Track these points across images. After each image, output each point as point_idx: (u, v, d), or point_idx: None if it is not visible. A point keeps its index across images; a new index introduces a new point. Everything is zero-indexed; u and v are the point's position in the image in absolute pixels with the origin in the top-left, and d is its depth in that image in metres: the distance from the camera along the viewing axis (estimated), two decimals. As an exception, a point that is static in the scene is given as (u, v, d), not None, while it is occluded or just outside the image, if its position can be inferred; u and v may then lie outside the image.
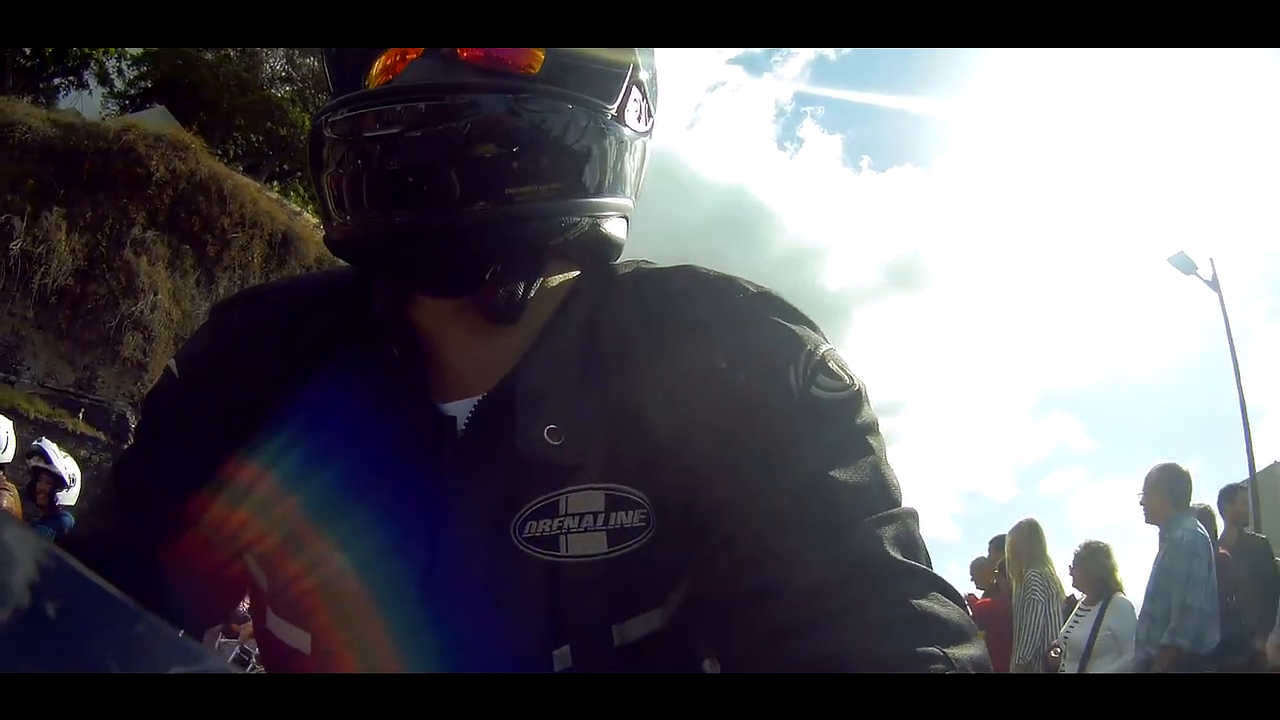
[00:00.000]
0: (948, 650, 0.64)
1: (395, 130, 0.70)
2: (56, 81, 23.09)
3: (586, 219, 0.80)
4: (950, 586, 0.71)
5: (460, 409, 0.79)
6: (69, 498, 5.20)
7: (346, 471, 0.78)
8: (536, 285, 0.82)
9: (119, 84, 22.89)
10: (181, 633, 0.31)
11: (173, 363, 0.90)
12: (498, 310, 0.80)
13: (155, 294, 15.61)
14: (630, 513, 0.76)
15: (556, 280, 0.85)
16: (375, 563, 0.76)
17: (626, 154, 0.84)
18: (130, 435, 14.16)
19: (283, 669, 0.81)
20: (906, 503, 0.75)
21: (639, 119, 0.87)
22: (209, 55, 23.87)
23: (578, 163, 0.78)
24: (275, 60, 25.63)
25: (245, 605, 0.93)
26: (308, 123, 22.96)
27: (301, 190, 24.37)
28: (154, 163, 16.64)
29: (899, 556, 0.70)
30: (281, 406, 0.82)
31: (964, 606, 0.70)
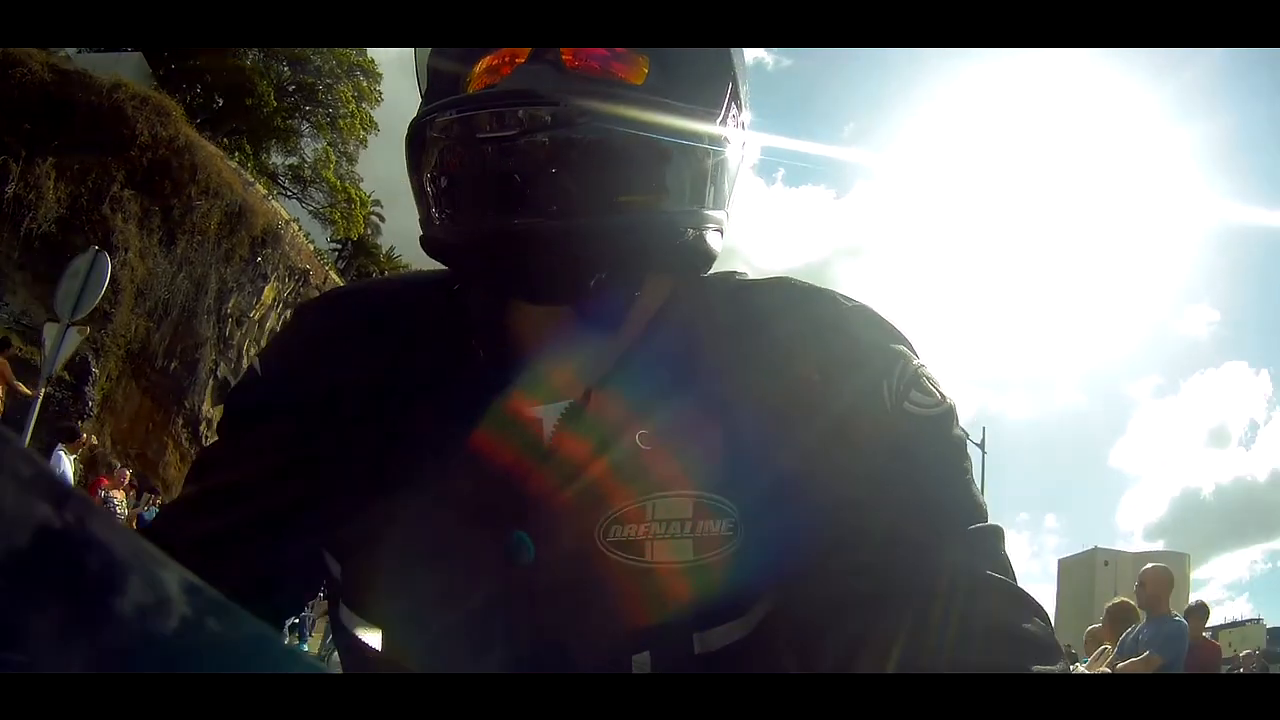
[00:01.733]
0: (1037, 668, 0.65)
1: (512, 133, 0.70)
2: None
3: (687, 230, 0.80)
4: (1039, 604, 0.71)
5: (550, 413, 0.80)
6: None
7: (430, 471, 0.79)
8: (637, 294, 0.82)
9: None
10: (259, 623, 0.32)
11: (256, 361, 0.90)
12: (599, 318, 0.80)
13: (126, 251, 17.55)
14: (718, 521, 0.76)
15: (652, 289, 0.85)
16: (453, 562, 0.77)
17: (725, 165, 0.85)
18: (89, 380, 16.26)
19: (356, 664, 0.82)
20: (992, 519, 0.75)
21: (738, 130, 0.88)
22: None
23: (682, 174, 0.79)
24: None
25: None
26: (272, 97, 24.85)
27: (248, 150, 26.18)
28: (139, 126, 18.55)
29: (992, 572, 0.70)
30: (364, 405, 0.82)
31: (1050, 625, 0.71)
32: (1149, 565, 6.49)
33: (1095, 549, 37.99)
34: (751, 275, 0.91)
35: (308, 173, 28.23)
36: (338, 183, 28.26)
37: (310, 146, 28.82)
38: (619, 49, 0.80)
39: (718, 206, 0.85)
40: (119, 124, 18.32)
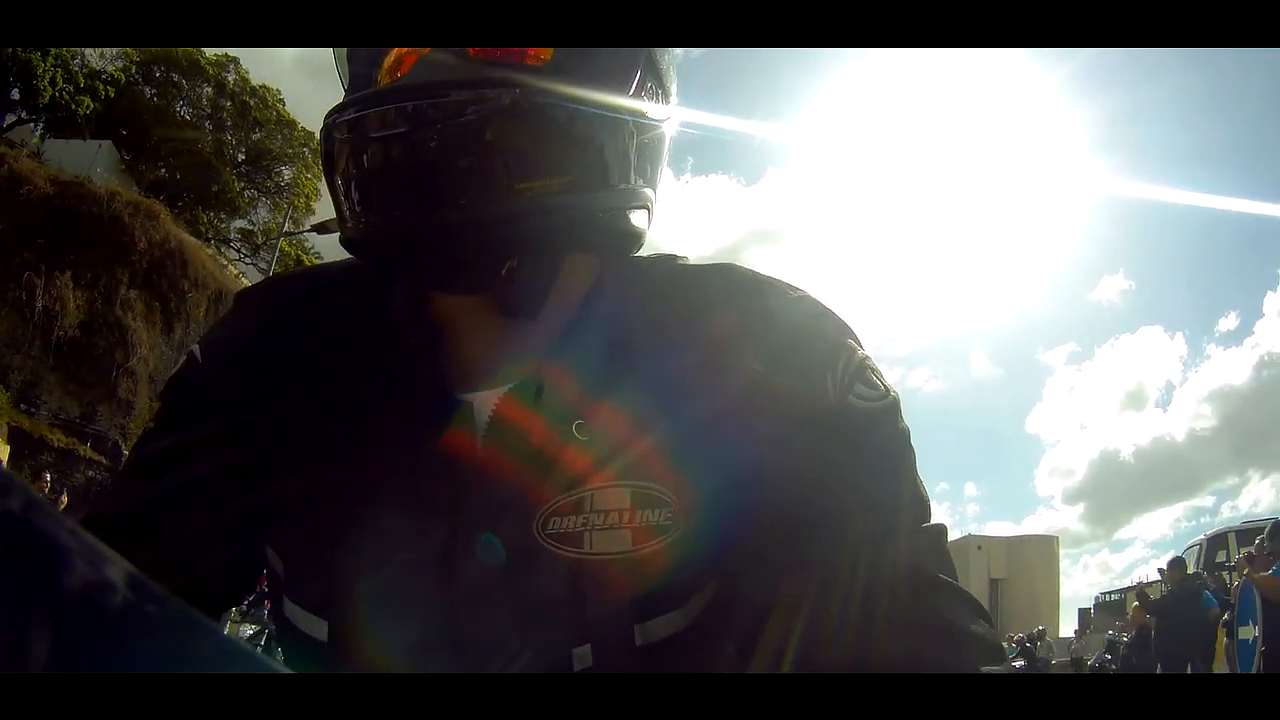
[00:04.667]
0: (986, 669, 0.65)
1: (400, 130, 0.70)
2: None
3: (603, 211, 0.78)
4: (981, 606, 0.71)
5: (484, 400, 0.78)
6: None
7: (366, 461, 0.78)
8: (556, 280, 0.80)
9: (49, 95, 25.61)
10: (195, 613, 0.31)
11: (196, 348, 0.87)
12: (515, 306, 0.78)
13: (140, 347, 20.10)
14: (656, 511, 0.75)
15: (578, 273, 0.83)
16: (394, 554, 0.76)
17: (643, 144, 0.82)
18: (120, 459, 18.82)
19: (300, 656, 0.81)
20: (935, 517, 0.74)
21: (655, 107, 0.85)
22: (146, 89, 27.49)
23: (590, 154, 0.76)
24: (200, 95, 29.37)
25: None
26: (230, 176, 27.32)
27: (205, 218, 28.50)
28: (136, 232, 21.06)
29: (934, 570, 0.71)
30: (301, 393, 0.81)
31: (993, 624, 0.71)
32: None
33: (969, 536, 43.02)
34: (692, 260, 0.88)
35: (259, 238, 30.52)
36: (288, 247, 30.64)
37: (259, 214, 31.17)
38: None
39: (639, 185, 0.82)
40: (119, 232, 20.80)
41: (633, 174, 0.81)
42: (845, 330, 0.82)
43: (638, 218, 0.83)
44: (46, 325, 18.76)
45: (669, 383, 0.77)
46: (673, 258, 0.89)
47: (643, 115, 0.82)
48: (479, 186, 0.71)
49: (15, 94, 25.79)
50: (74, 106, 24.92)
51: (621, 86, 0.80)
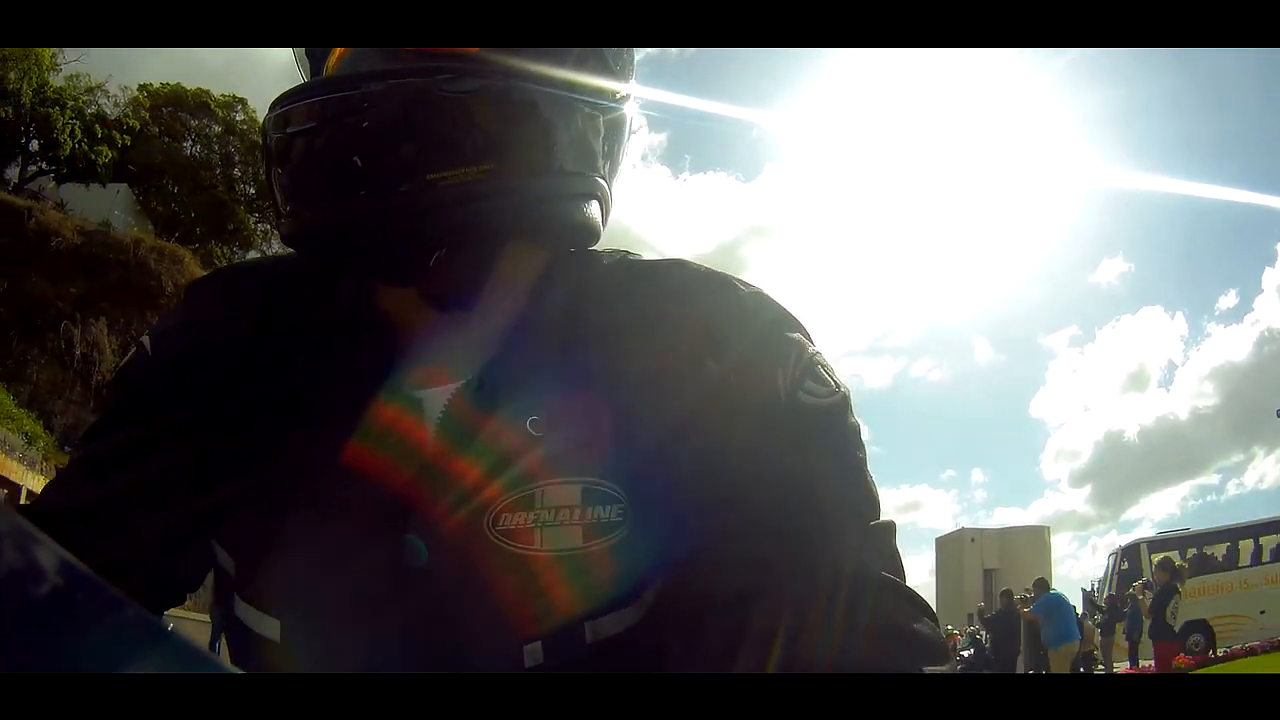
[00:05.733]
0: (928, 668, 0.64)
1: (307, 126, 0.70)
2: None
3: (539, 199, 0.77)
4: (928, 604, 0.71)
5: (436, 396, 0.77)
6: None
7: (318, 457, 0.76)
8: (491, 271, 0.78)
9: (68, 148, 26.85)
10: (139, 609, 0.31)
11: (146, 339, 0.86)
12: (445, 298, 0.77)
13: (171, 387, 21.42)
14: (607, 508, 0.75)
15: (524, 264, 0.82)
16: (346, 552, 0.75)
17: (584, 128, 0.79)
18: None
19: (251, 656, 0.79)
20: (885, 515, 0.75)
21: (601, 89, 0.82)
22: (166, 140, 28.79)
23: (514, 140, 0.74)
24: (209, 133, 30.65)
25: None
26: (242, 211, 28.51)
27: (220, 253, 29.82)
28: (163, 276, 22.32)
29: (880, 569, 0.70)
30: (253, 387, 0.80)
31: (937, 624, 0.70)
32: None
33: (963, 529, 44.28)
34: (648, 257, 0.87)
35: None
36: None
37: (272, 246, 32.40)
38: None
39: (586, 172, 0.80)
40: (146, 277, 22.15)
41: (576, 160, 0.78)
42: (796, 326, 0.81)
43: (585, 207, 0.81)
44: (85, 370, 20.12)
45: (622, 379, 0.76)
46: (625, 253, 0.88)
47: (578, 97, 0.78)
48: (386, 178, 0.70)
49: (34, 145, 27.09)
50: (94, 157, 26.23)
51: (556, 67, 0.77)
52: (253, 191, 31.49)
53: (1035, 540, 42.54)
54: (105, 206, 26.61)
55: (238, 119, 30.84)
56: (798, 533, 0.70)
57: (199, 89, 30.66)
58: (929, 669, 0.64)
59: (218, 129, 30.83)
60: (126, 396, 0.84)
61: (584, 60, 0.79)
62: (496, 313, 0.80)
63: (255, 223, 31.51)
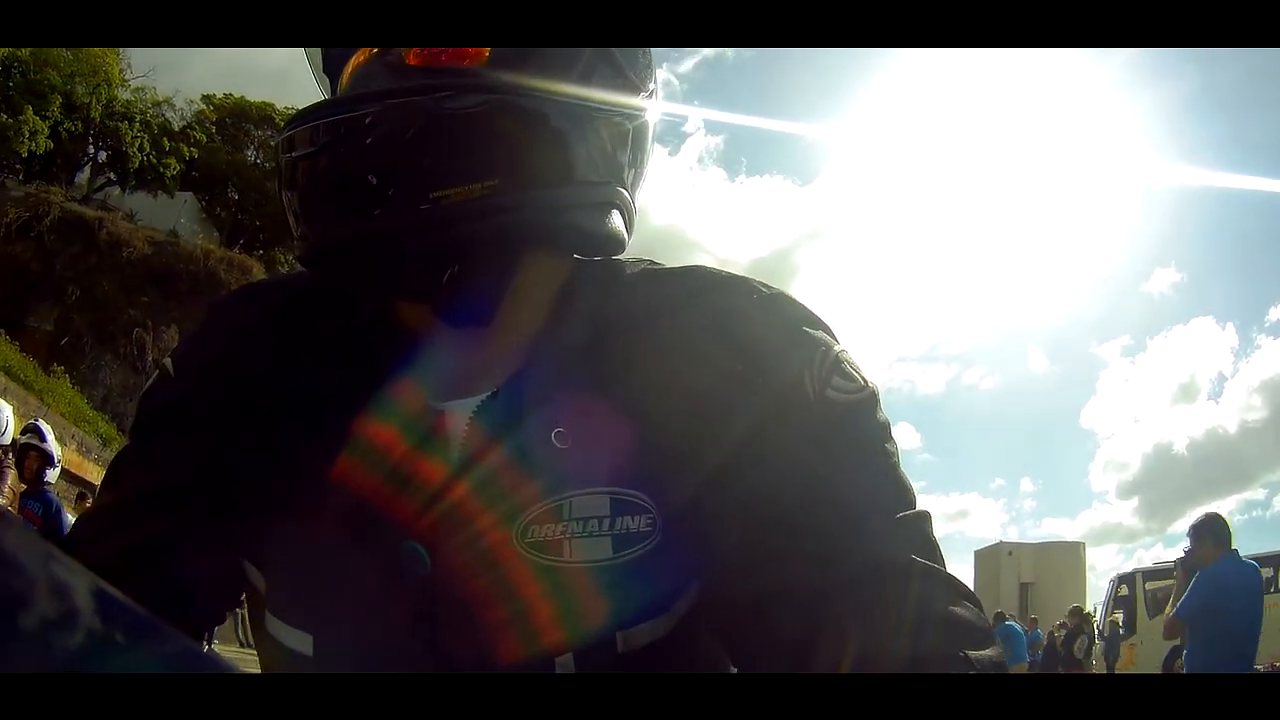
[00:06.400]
0: (969, 653, 0.64)
1: (311, 149, 0.71)
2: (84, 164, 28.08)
3: (554, 210, 0.76)
4: (967, 588, 0.71)
5: (459, 409, 0.77)
6: (54, 476, 5.37)
7: (343, 473, 0.76)
8: (508, 286, 0.78)
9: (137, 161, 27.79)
10: (179, 635, 0.31)
11: (168, 361, 0.86)
12: (459, 314, 0.77)
13: (237, 393, 22.31)
14: (636, 518, 0.75)
15: (544, 277, 0.82)
16: (375, 567, 0.75)
17: (600, 137, 0.78)
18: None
19: (283, 669, 0.80)
20: (919, 505, 0.75)
21: (615, 98, 0.80)
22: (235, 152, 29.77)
23: (522, 154, 0.74)
24: (270, 141, 31.56)
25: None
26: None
27: (283, 259, 30.77)
28: (231, 286, 22.98)
29: (917, 558, 0.70)
30: (277, 404, 0.80)
31: (980, 608, 0.70)
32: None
33: (1000, 543, 44.12)
34: (712, 265, 0.87)
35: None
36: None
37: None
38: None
39: (593, 183, 0.78)
40: (215, 287, 22.98)
41: (593, 169, 0.77)
42: (820, 325, 0.81)
43: (605, 216, 0.79)
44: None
45: (647, 387, 0.76)
46: (647, 261, 0.87)
47: (590, 106, 0.77)
48: (391, 198, 0.70)
49: (102, 157, 28.12)
50: (162, 170, 27.24)
51: (564, 78, 0.76)
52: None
53: (1071, 555, 42.24)
54: (171, 214, 27.57)
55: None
56: (831, 529, 0.71)
57: (263, 101, 31.68)
58: (971, 653, 0.64)
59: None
60: (151, 418, 0.86)
61: (594, 68, 0.79)
62: (518, 325, 0.80)
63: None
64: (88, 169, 28.08)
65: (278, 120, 31.36)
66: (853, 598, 0.67)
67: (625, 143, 0.81)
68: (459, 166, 0.71)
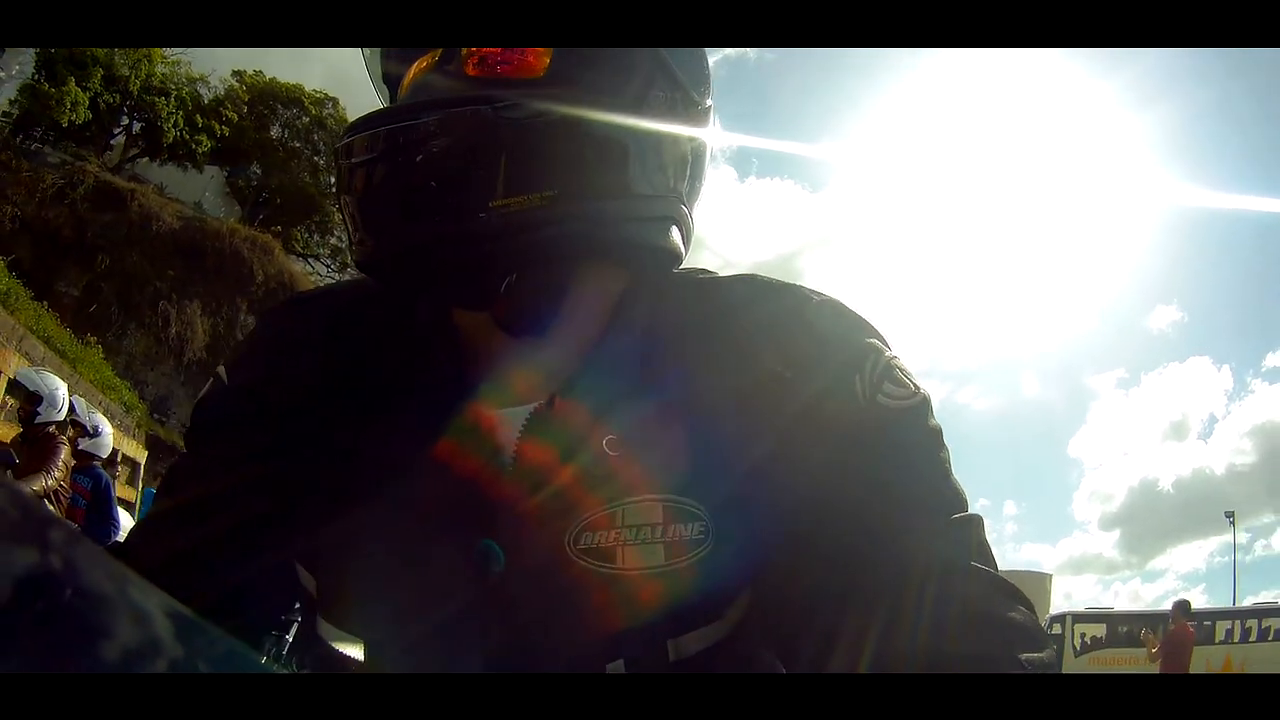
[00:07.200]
0: (1023, 655, 0.64)
1: (368, 157, 0.72)
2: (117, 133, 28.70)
3: (612, 222, 0.77)
4: (1020, 592, 0.70)
5: (513, 418, 0.78)
6: (95, 446, 5.57)
7: (396, 479, 0.77)
8: (565, 295, 0.79)
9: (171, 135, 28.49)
10: (233, 639, 0.32)
11: (221, 370, 0.87)
12: (516, 323, 0.78)
13: (255, 369, 23.09)
14: (689, 525, 0.75)
15: (602, 286, 0.82)
16: (427, 573, 0.76)
17: (659, 150, 0.80)
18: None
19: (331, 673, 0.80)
20: (972, 508, 0.74)
21: (671, 112, 0.81)
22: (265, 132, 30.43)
23: (579, 165, 0.75)
24: (295, 121, 32.19)
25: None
26: (323, 198, 29.92)
27: (300, 238, 31.39)
28: (254, 266, 23.89)
29: (971, 560, 0.70)
30: (328, 411, 0.81)
31: (1034, 611, 0.70)
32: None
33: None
34: (722, 268, 0.87)
35: (347, 257, 33.26)
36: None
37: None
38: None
39: (664, 194, 0.80)
40: (239, 265, 23.78)
41: (651, 183, 0.79)
42: (871, 331, 0.81)
43: (662, 229, 0.81)
44: (178, 348, 21.74)
45: (696, 394, 0.77)
46: (697, 270, 0.88)
47: (655, 120, 0.78)
48: (449, 206, 0.71)
49: (136, 128, 28.79)
50: (194, 146, 27.91)
51: (619, 92, 0.77)
52: (334, 182, 32.74)
53: (1037, 586, 42.46)
54: (197, 187, 28.29)
55: (326, 113, 32.28)
56: (889, 532, 0.71)
57: (292, 84, 32.21)
58: (1025, 655, 0.64)
59: (305, 120, 32.27)
60: (205, 426, 0.86)
61: (652, 80, 0.79)
62: (574, 334, 0.80)
63: (336, 209, 32.62)
64: (121, 139, 28.72)
65: (306, 102, 31.97)
66: (912, 599, 0.68)
67: (683, 157, 0.83)
68: (518, 177, 0.72)
